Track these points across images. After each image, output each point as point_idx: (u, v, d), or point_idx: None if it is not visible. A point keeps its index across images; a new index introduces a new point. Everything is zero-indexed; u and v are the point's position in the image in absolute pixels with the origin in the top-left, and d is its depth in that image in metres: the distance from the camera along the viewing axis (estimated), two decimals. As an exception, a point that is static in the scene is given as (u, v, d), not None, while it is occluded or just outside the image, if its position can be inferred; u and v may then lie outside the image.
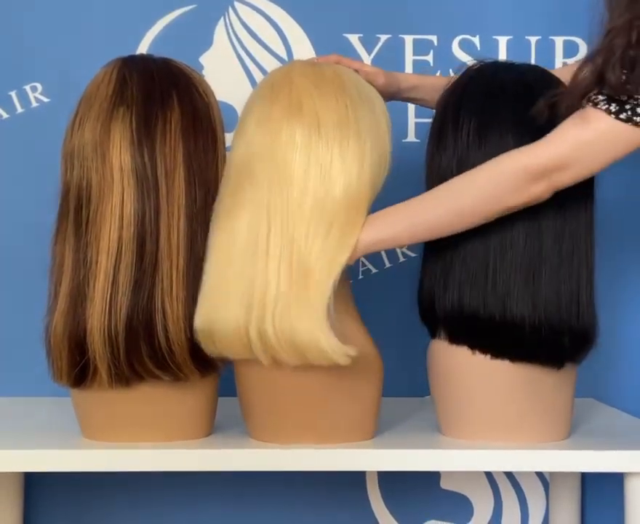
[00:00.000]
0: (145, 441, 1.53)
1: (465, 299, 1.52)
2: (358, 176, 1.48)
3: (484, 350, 1.53)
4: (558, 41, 2.01)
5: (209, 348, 1.50)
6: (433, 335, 1.59)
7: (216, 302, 1.48)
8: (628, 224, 1.99)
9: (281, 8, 1.99)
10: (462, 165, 1.52)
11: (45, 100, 1.97)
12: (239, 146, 1.52)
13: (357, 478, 1.98)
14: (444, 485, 1.99)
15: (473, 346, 1.53)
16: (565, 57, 1.97)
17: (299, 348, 1.45)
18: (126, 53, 1.62)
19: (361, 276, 1.98)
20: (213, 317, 1.48)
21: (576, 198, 1.52)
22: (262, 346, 1.45)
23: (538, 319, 1.50)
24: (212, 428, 1.60)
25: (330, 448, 1.51)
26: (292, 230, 1.46)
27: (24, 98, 1.97)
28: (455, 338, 1.55)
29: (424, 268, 1.58)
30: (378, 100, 1.57)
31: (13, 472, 1.82)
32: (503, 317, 1.50)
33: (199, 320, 1.49)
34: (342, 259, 1.47)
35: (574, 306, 1.52)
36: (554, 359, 1.53)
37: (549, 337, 1.51)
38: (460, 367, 1.55)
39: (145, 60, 1.60)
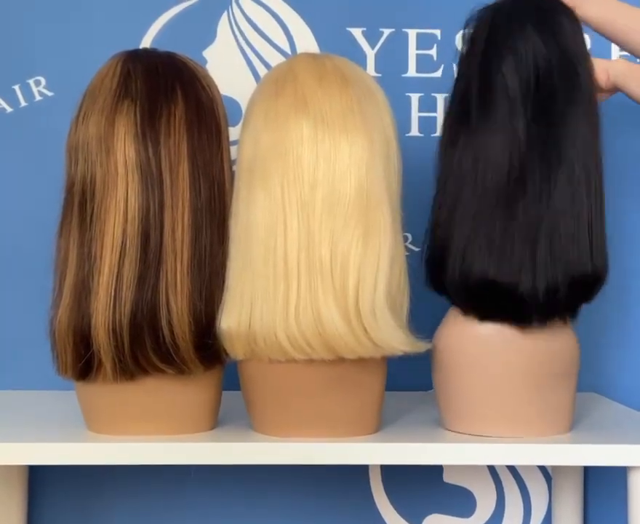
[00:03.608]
0: (150, 434, 1.53)
1: (474, 266, 1.51)
2: (367, 167, 1.49)
3: (493, 318, 1.52)
4: (562, 35, 2.01)
5: (237, 351, 1.51)
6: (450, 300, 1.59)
7: (238, 305, 1.49)
8: (621, 224, 1.99)
9: (285, 2, 1.99)
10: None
11: (49, 93, 1.97)
12: (248, 143, 1.53)
13: (360, 472, 1.98)
14: (447, 478, 2.00)
15: (482, 314, 1.53)
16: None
17: (328, 342, 1.46)
18: (129, 47, 1.62)
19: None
20: (237, 321, 1.49)
21: (585, 164, 1.52)
22: (292, 346, 1.47)
23: (548, 284, 1.49)
24: (216, 421, 1.61)
25: (333, 442, 1.51)
26: (307, 227, 1.47)
27: (27, 92, 1.97)
28: (463, 308, 1.54)
29: (429, 233, 1.58)
30: (379, 91, 1.57)
31: (17, 465, 1.83)
32: (515, 286, 1.49)
33: (225, 324, 1.50)
34: (361, 253, 1.47)
35: (588, 262, 1.51)
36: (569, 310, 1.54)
37: (563, 296, 1.51)
38: (462, 360, 1.56)
39: (149, 53, 1.60)
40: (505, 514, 2.01)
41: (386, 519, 2.00)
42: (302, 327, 1.46)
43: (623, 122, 1.94)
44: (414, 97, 1.99)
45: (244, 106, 1.60)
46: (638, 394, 1.97)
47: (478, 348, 1.55)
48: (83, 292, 1.50)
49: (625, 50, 1.66)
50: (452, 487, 2.00)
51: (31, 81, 1.97)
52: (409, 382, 1.87)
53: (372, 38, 1.99)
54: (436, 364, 1.60)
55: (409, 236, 1.91)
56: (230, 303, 1.51)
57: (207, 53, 1.98)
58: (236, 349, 1.52)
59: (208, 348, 1.52)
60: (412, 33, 1.99)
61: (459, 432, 1.57)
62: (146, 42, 1.96)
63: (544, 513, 2.01)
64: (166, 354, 1.50)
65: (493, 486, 2.00)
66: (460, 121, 1.55)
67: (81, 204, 1.52)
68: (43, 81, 1.97)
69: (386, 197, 1.50)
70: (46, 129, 1.94)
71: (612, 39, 1.66)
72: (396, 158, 1.55)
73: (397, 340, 1.49)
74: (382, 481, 1.99)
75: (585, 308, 1.95)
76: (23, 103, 1.97)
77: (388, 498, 1.99)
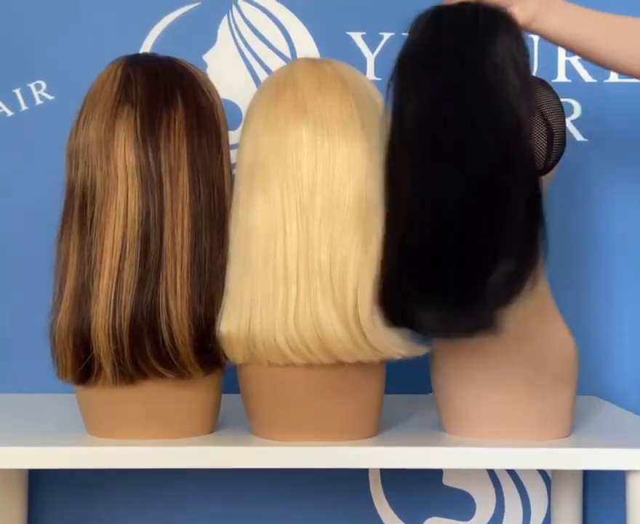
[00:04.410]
0: (149, 438, 1.53)
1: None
2: (366, 173, 1.49)
3: None
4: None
5: (237, 355, 1.51)
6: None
7: (238, 308, 1.50)
8: (618, 228, 2.00)
9: (285, 6, 1.99)
10: None
11: (49, 97, 1.97)
12: (248, 147, 1.53)
13: (360, 475, 1.98)
14: (447, 481, 2.00)
15: None
16: (567, 55, 1.97)
17: (327, 346, 1.46)
18: (130, 51, 1.62)
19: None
20: (236, 324, 1.49)
21: None
22: (291, 350, 1.47)
23: None
24: (216, 425, 1.61)
25: (333, 445, 1.51)
26: (306, 231, 1.47)
27: (28, 96, 1.97)
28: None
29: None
30: (379, 96, 1.57)
31: (17, 469, 1.83)
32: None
33: (225, 328, 1.50)
34: (360, 258, 1.47)
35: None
36: None
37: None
38: (462, 364, 1.56)
39: (149, 58, 1.60)
40: (505, 518, 2.01)
41: (386, 522, 2.00)
42: (300, 331, 1.46)
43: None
44: (414, 101, 1.99)
45: (244, 110, 1.60)
46: (638, 397, 1.97)
47: (477, 352, 1.55)
48: (83, 295, 1.51)
49: (588, 59, 1.52)
50: (451, 491, 2.00)
51: (32, 85, 1.97)
52: (408, 385, 1.88)
53: (371, 42, 1.99)
54: (435, 368, 1.60)
55: (409, 239, 1.91)
56: (229, 306, 1.51)
57: (207, 57, 1.98)
58: (235, 353, 1.52)
59: (207, 352, 1.52)
60: (412, 37, 1.99)
61: (458, 436, 1.58)
62: (146, 46, 1.96)
63: (543, 516, 2.01)
64: (165, 358, 1.50)
65: (492, 489, 2.01)
66: None
67: (81, 208, 1.53)
68: (44, 85, 1.97)
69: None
70: (46, 133, 1.95)
71: (572, 49, 1.52)
72: None
73: (395, 344, 1.49)
74: (382, 484, 1.99)
75: (585, 311, 1.96)
76: (24, 107, 1.97)
77: (388, 501, 1.99)
